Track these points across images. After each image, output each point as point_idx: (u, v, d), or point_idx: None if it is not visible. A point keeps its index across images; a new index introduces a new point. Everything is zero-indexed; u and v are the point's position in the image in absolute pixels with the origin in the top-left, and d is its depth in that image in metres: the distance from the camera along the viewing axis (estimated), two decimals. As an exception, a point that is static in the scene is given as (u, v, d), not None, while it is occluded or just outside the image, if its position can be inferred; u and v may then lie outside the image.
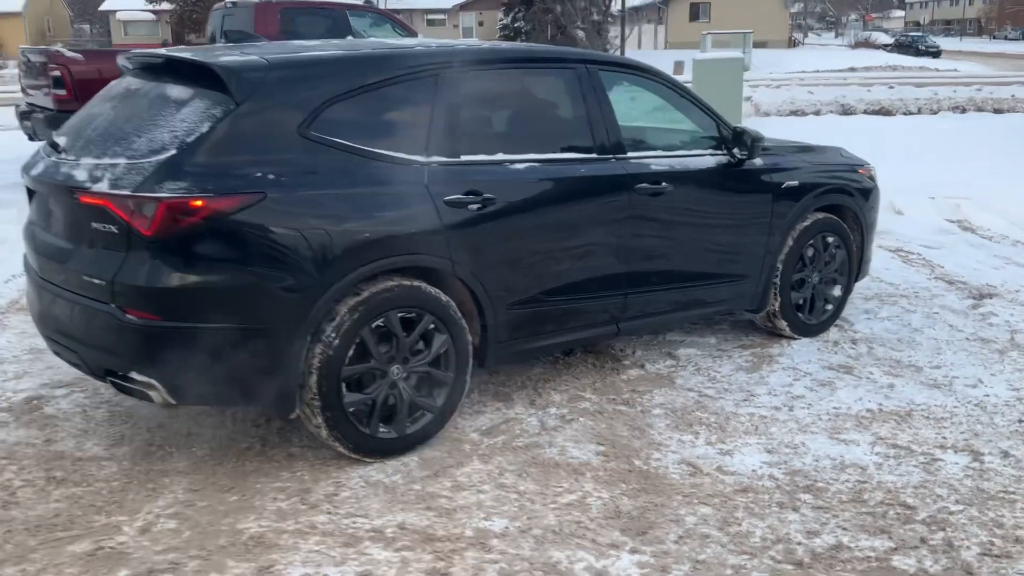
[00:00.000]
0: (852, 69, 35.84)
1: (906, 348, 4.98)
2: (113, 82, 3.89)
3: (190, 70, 3.54)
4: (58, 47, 11.14)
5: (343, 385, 3.45)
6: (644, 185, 4.26)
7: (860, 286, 5.73)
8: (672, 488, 3.46)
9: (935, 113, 17.60)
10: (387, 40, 5.73)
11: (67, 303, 3.43)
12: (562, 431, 3.93)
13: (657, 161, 4.40)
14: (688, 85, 12.71)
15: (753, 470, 3.60)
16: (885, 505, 3.34)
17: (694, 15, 53.36)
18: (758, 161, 4.73)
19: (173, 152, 3.19)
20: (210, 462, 3.65)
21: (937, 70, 34.87)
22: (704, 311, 4.86)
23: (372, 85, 3.59)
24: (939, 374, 4.61)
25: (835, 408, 4.19)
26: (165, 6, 42.82)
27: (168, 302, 3.17)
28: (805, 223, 4.96)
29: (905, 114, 17.57)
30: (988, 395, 4.35)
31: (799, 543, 3.09)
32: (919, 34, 61.80)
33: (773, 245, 4.85)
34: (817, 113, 17.43)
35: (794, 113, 17.39)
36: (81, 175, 3.29)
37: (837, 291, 5.23)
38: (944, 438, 3.89)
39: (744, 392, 4.38)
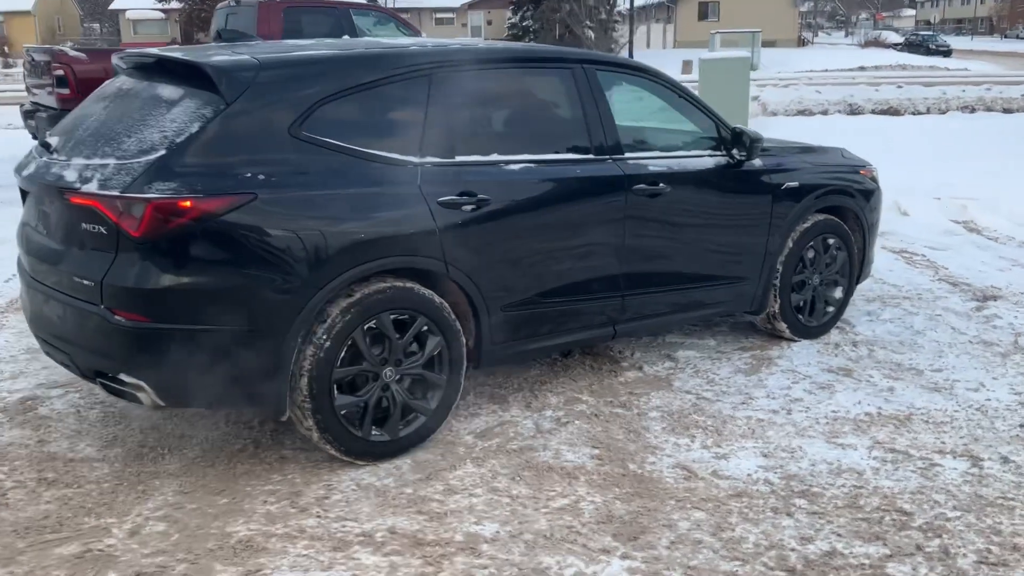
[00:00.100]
0: (861, 68, 35.68)
1: (907, 351, 4.93)
2: (106, 82, 3.88)
3: (181, 70, 3.52)
4: (68, 45, 11.16)
5: (334, 387, 3.43)
6: (641, 186, 4.22)
7: (862, 288, 5.68)
8: (666, 492, 3.42)
9: (944, 113, 17.51)
10: (381, 39, 5.71)
11: (58, 304, 3.42)
12: (557, 434, 3.90)
13: (655, 162, 4.36)
14: (695, 84, 12.65)
15: (748, 474, 3.56)
16: (881, 511, 3.29)
17: (703, 14, 53.28)
18: (757, 162, 4.69)
19: (162, 152, 3.17)
20: (202, 464, 3.63)
21: (947, 69, 34.63)
22: (703, 313, 4.82)
23: (365, 85, 3.56)
24: (940, 377, 4.56)
25: (833, 412, 4.15)
26: (174, 5, 42.87)
27: (157, 304, 3.15)
28: (805, 224, 4.92)
29: (913, 114, 17.49)
30: (989, 399, 4.30)
31: (792, 549, 3.05)
32: (930, 33, 61.43)
33: (773, 247, 4.81)
34: (825, 113, 17.36)
35: (801, 113, 17.32)
36: (71, 175, 3.28)
37: (838, 293, 5.19)
38: (943, 443, 3.84)
39: (742, 395, 4.34)
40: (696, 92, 12.52)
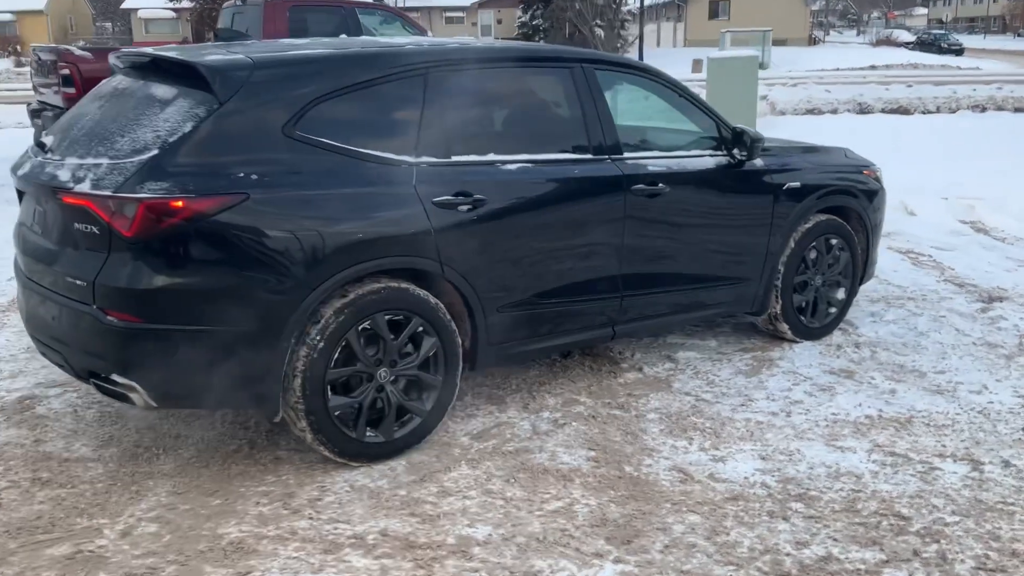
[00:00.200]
0: (872, 67, 35.48)
1: (910, 352, 4.89)
2: (103, 81, 3.87)
3: (176, 69, 3.50)
4: (78, 45, 11.20)
5: (328, 388, 3.41)
6: (640, 186, 4.19)
7: (866, 288, 5.64)
8: (661, 495, 3.39)
9: (954, 112, 17.38)
10: (378, 39, 5.68)
11: (52, 304, 3.41)
12: (554, 436, 3.88)
13: (654, 162, 4.33)
14: (704, 83, 12.57)
15: (745, 477, 3.53)
16: (879, 515, 3.26)
17: (713, 13, 53.16)
18: (759, 162, 4.65)
19: (155, 152, 3.16)
20: (196, 464, 3.62)
21: (959, 68, 34.41)
22: (703, 314, 4.78)
23: (359, 84, 3.54)
24: (943, 379, 4.52)
25: (833, 414, 4.11)
26: (185, 4, 43.05)
27: (149, 304, 3.14)
28: (807, 225, 4.88)
29: (923, 113, 17.36)
30: (992, 402, 4.25)
31: (788, 554, 3.02)
32: (942, 32, 61.07)
33: (774, 247, 4.77)
34: (834, 112, 17.25)
35: (810, 112, 17.22)
36: (64, 175, 3.27)
37: (841, 294, 5.14)
38: (944, 446, 3.80)
39: (742, 397, 4.30)
40: (704, 91, 12.53)
